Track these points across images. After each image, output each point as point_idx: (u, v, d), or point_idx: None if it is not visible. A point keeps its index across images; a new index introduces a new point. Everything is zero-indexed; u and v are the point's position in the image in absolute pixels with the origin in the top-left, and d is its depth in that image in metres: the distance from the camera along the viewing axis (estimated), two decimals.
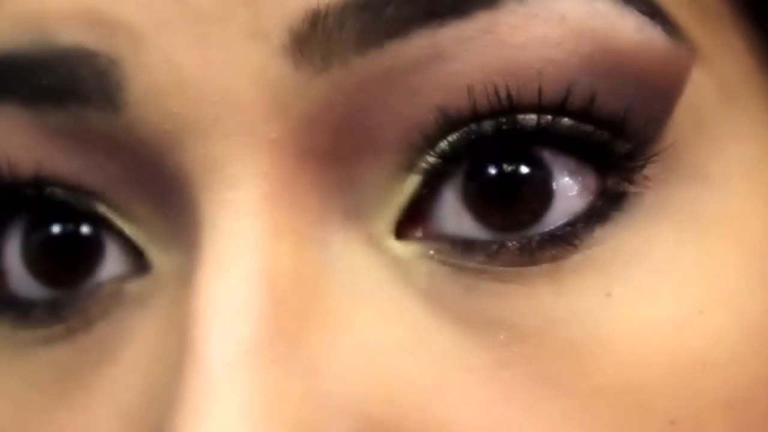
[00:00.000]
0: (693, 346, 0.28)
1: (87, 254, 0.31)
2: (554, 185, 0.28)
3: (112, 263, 0.30)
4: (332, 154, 0.28)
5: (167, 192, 0.29)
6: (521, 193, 0.28)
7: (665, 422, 0.27)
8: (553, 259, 0.28)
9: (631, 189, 0.28)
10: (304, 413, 0.27)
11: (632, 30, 0.28)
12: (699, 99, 0.29)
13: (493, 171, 0.28)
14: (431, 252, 0.28)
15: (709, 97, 0.29)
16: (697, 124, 0.29)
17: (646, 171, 0.28)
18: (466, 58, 0.27)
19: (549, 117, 0.28)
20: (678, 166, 0.29)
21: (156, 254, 0.30)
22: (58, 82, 0.29)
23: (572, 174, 0.28)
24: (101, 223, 0.30)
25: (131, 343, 0.29)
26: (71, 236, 0.31)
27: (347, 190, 0.29)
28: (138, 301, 0.30)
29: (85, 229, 0.31)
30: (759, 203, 0.30)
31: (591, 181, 0.28)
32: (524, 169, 0.28)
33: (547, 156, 0.28)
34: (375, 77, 0.28)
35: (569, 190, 0.28)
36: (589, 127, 0.28)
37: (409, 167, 0.28)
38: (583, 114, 0.28)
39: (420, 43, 0.27)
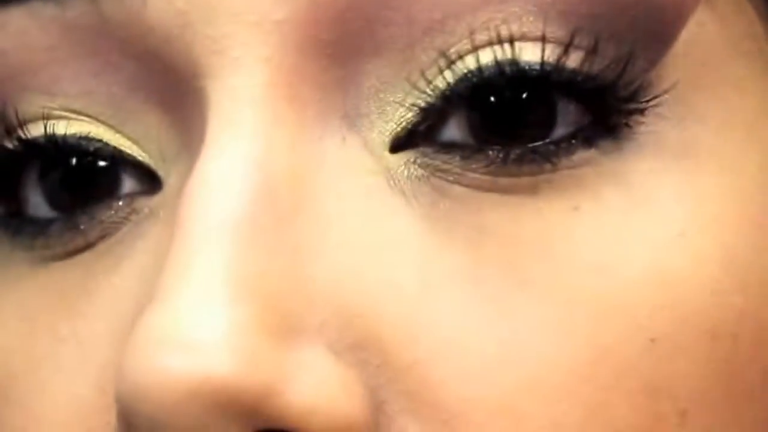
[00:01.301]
0: (673, 266, 0.28)
1: (104, 186, 0.31)
2: (558, 118, 0.29)
3: (128, 187, 0.31)
4: (335, 48, 0.28)
5: (177, 90, 0.29)
6: (519, 120, 0.29)
7: (645, 339, 0.27)
8: (530, 173, 0.28)
9: (623, 121, 0.29)
10: (283, 291, 0.27)
11: None
12: (702, 38, 0.29)
13: (490, 99, 0.29)
14: (417, 158, 0.29)
15: (713, 39, 0.30)
16: (699, 62, 0.29)
17: (642, 104, 0.29)
18: None
19: (552, 62, 0.28)
20: (676, 103, 0.29)
21: (166, 169, 0.30)
22: None
23: (569, 108, 0.29)
24: (116, 156, 0.31)
25: (134, 254, 0.30)
26: (88, 170, 0.31)
27: (347, 92, 0.29)
28: (150, 214, 0.30)
29: (101, 162, 0.31)
30: (754, 153, 0.30)
31: (587, 112, 0.29)
32: (523, 96, 0.29)
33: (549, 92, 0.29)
34: None
35: (567, 119, 0.29)
36: (595, 68, 0.28)
37: (412, 97, 0.29)
38: (588, 55, 0.28)
39: None
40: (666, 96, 0.29)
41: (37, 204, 0.32)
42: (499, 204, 0.28)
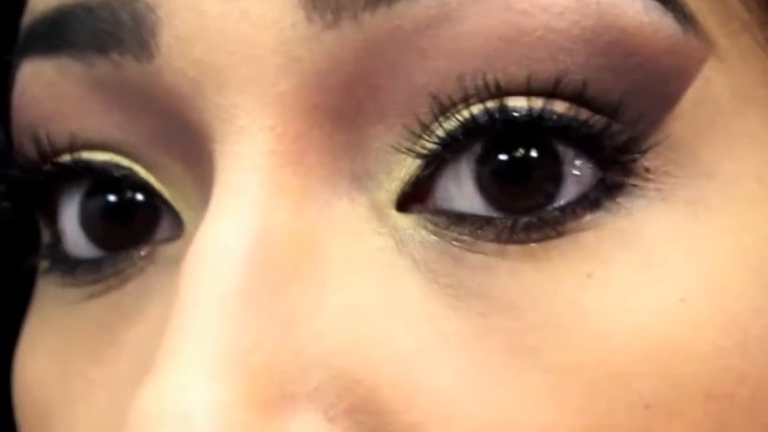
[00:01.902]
0: (672, 333, 0.28)
1: (142, 219, 0.32)
2: (563, 170, 0.29)
3: (165, 228, 0.32)
4: (340, 114, 0.29)
5: (194, 147, 0.30)
6: (528, 177, 0.29)
7: (639, 406, 0.27)
8: (538, 240, 0.28)
9: (630, 180, 0.28)
10: (276, 362, 0.27)
11: (639, 10, 0.28)
12: (711, 94, 0.29)
13: (498, 156, 0.29)
14: (428, 224, 0.29)
15: (723, 96, 0.29)
16: (707, 119, 0.29)
17: (647, 163, 0.28)
18: (471, 21, 0.28)
19: (540, 103, 0.28)
20: (682, 159, 0.29)
21: (188, 215, 0.31)
22: (102, 27, 0.30)
23: (574, 162, 0.28)
24: (150, 191, 0.32)
25: (158, 300, 0.31)
26: (128, 202, 0.32)
27: (354, 155, 0.29)
28: (170, 261, 0.31)
29: (140, 196, 0.32)
30: (764, 205, 0.29)
31: (591, 170, 0.28)
32: (531, 154, 0.29)
33: (550, 143, 0.28)
34: (384, 36, 0.28)
35: (575, 177, 0.28)
36: (583, 114, 0.28)
37: (412, 144, 0.29)
38: (577, 98, 0.28)
39: (428, 2, 0.28)
40: (668, 146, 0.28)
41: (77, 240, 0.33)
42: (508, 271, 0.28)
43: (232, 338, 0.27)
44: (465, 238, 0.28)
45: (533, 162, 0.29)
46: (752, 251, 0.29)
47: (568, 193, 0.28)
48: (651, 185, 0.28)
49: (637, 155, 0.28)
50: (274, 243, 0.28)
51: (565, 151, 0.28)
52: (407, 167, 0.29)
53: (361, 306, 0.28)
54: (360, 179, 0.29)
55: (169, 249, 0.31)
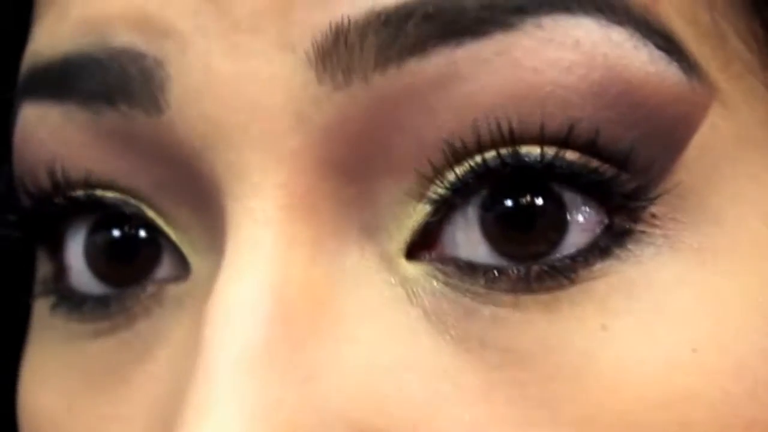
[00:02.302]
0: (684, 383, 0.28)
1: (145, 256, 0.32)
2: (568, 217, 0.29)
3: (166, 266, 0.32)
4: (350, 168, 0.29)
5: (202, 197, 0.30)
6: (533, 225, 0.29)
7: None
8: (550, 290, 0.29)
9: (638, 227, 0.29)
10: (299, 418, 0.28)
11: (645, 62, 0.28)
12: (715, 140, 0.29)
13: (503, 202, 0.29)
14: (437, 273, 0.29)
15: (727, 140, 0.29)
16: (713, 165, 0.29)
17: (654, 209, 0.29)
18: (481, 80, 0.28)
19: (552, 151, 0.28)
20: (689, 205, 0.29)
21: (195, 259, 0.31)
22: (111, 80, 0.30)
23: (580, 209, 0.29)
24: (155, 228, 0.32)
25: (167, 342, 0.31)
26: (132, 239, 0.33)
27: (364, 206, 0.30)
28: (177, 302, 0.32)
29: (143, 233, 0.32)
30: None
31: (598, 216, 0.29)
32: (536, 201, 0.29)
33: (556, 190, 0.29)
34: (394, 95, 0.28)
35: (580, 224, 0.29)
36: (594, 163, 0.28)
37: (423, 190, 0.29)
38: (588, 147, 0.28)
39: (438, 61, 0.28)
40: (675, 193, 0.29)
41: (81, 274, 0.33)
42: (521, 323, 0.29)
43: (256, 397, 0.28)
44: (477, 289, 0.29)
45: (538, 209, 0.29)
46: (759, 294, 0.29)
47: (573, 240, 0.29)
48: (658, 231, 0.29)
49: (645, 202, 0.29)
50: (292, 298, 0.29)
51: (573, 198, 0.29)
52: (416, 215, 0.29)
53: (375, 359, 0.29)
54: (369, 230, 0.30)
55: (175, 290, 0.32)
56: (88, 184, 0.32)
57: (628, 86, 0.28)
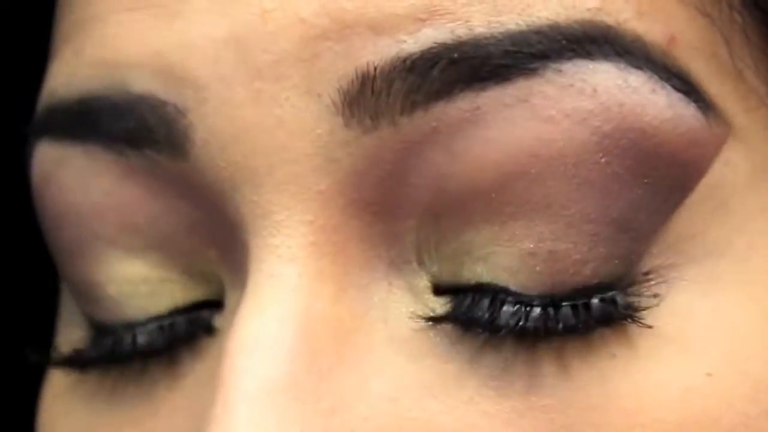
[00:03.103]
0: (702, 408, 0.29)
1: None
2: None
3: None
4: (377, 207, 0.30)
5: (228, 236, 0.31)
6: None
7: None
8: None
9: (632, 290, 0.29)
10: None
11: (662, 106, 0.29)
12: (727, 176, 0.30)
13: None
14: (462, 305, 0.30)
15: (739, 174, 0.30)
16: (723, 201, 0.30)
17: (646, 267, 0.29)
18: (501, 127, 0.29)
19: None
20: (699, 238, 0.30)
21: (227, 295, 0.32)
22: (132, 126, 0.31)
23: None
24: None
25: (196, 372, 0.32)
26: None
27: (392, 243, 0.30)
28: (206, 334, 0.32)
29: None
30: None
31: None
32: None
33: None
34: (420, 137, 0.29)
35: None
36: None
37: (446, 233, 0.30)
38: None
39: (462, 105, 0.29)
40: (679, 242, 0.30)
41: None
42: (541, 351, 0.29)
43: (277, 430, 0.28)
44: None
45: None
46: None
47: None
48: (653, 282, 0.29)
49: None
50: (317, 330, 0.29)
51: None
52: (440, 254, 0.30)
53: (402, 389, 0.29)
54: (397, 265, 0.30)
55: (208, 320, 0.32)
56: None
57: (639, 136, 0.29)
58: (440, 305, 0.30)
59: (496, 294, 0.29)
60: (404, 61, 0.29)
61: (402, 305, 0.30)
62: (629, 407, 0.29)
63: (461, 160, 0.29)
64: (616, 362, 0.29)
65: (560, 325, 0.29)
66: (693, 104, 0.29)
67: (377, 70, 0.29)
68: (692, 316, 0.30)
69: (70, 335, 0.34)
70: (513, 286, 0.29)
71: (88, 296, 0.33)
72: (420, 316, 0.30)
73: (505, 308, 0.29)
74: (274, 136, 0.29)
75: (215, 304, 0.32)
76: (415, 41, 0.29)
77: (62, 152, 0.32)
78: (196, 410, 0.30)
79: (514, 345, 0.29)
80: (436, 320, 0.30)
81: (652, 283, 0.29)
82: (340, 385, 0.29)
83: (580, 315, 0.29)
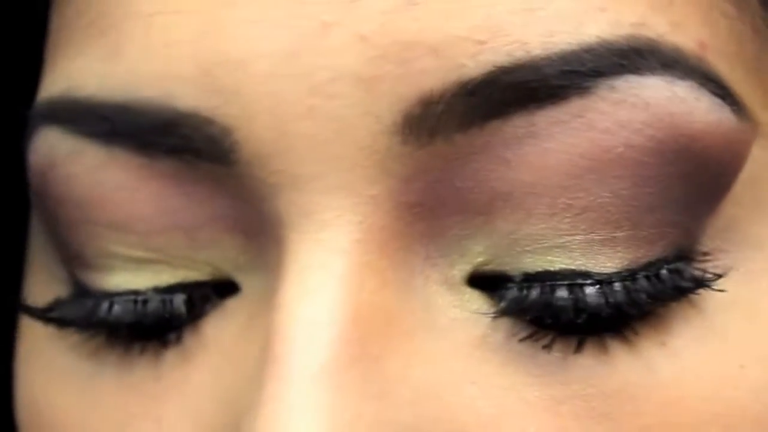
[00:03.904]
0: (734, 398, 0.31)
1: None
2: None
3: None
4: (422, 208, 0.31)
5: (259, 229, 0.31)
6: None
7: None
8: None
9: (692, 265, 0.31)
10: None
11: (705, 112, 0.30)
12: (757, 172, 0.32)
13: None
14: (496, 297, 0.31)
15: (765, 169, 0.32)
16: (755, 196, 0.32)
17: (705, 248, 0.31)
18: (556, 139, 0.30)
19: None
20: (735, 236, 0.31)
21: (243, 280, 0.32)
22: (172, 141, 0.30)
23: None
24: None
25: (207, 349, 0.32)
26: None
27: (431, 239, 0.31)
28: (220, 313, 0.33)
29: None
30: None
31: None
32: None
33: None
34: (474, 149, 0.30)
35: None
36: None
37: (489, 230, 0.31)
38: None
39: (518, 123, 0.30)
40: (726, 233, 0.31)
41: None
42: (586, 341, 0.31)
43: (336, 412, 0.29)
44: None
45: None
46: None
47: None
48: (710, 265, 0.31)
49: (697, 245, 0.31)
50: (364, 318, 0.30)
51: None
52: (480, 246, 0.31)
53: (443, 375, 0.31)
54: (433, 259, 0.31)
55: (222, 304, 0.33)
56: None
57: (689, 141, 0.30)
58: (476, 297, 0.31)
59: (572, 278, 0.31)
60: (465, 85, 0.29)
61: (439, 297, 0.31)
62: (668, 397, 0.31)
63: (516, 166, 0.30)
64: (658, 353, 0.31)
65: (643, 295, 0.30)
66: (728, 107, 0.31)
67: (440, 95, 0.29)
68: (731, 308, 0.31)
69: (49, 293, 0.35)
70: (592, 269, 0.31)
71: (88, 266, 0.33)
72: (455, 306, 0.31)
73: (588, 289, 0.30)
74: (328, 147, 0.30)
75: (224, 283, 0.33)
76: (476, 65, 0.29)
77: (77, 145, 0.32)
78: (226, 377, 0.31)
79: (555, 334, 0.31)
80: (472, 311, 0.31)
81: (709, 263, 0.31)
82: (386, 372, 0.30)
83: (654, 284, 0.30)
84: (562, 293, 0.30)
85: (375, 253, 0.30)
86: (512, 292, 0.31)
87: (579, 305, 0.30)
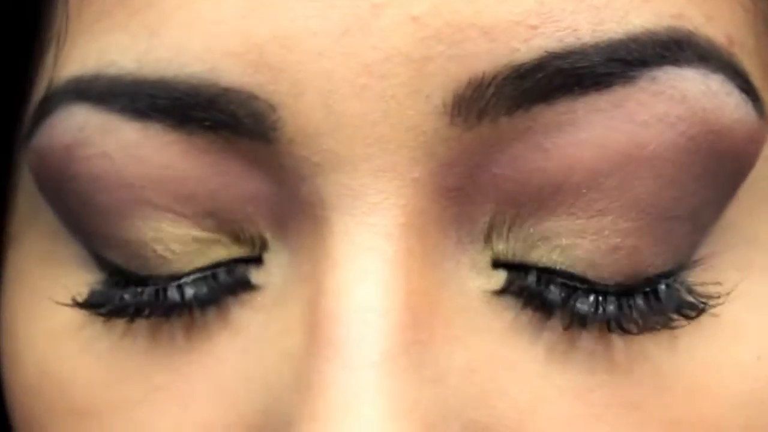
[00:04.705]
0: (750, 388, 0.32)
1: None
2: None
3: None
4: (458, 193, 0.31)
5: (294, 210, 0.31)
6: None
7: None
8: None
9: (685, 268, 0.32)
10: (430, 417, 0.30)
11: (733, 108, 0.31)
12: (764, 170, 0.33)
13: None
14: (525, 283, 0.31)
15: None
16: (755, 194, 0.33)
17: (702, 253, 0.32)
18: (594, 129, 0.30)
19: None
20: (731, 235, 0.32)
21: (268, 257, 0.32)
22: (215, 115, 0.30)
23: None
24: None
25: (234, 327, 0.32)
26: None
27: (462, 223, 0.31)
28: (248, 291, 0.32)
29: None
30: None
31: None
32: None
33: None
34: (515, 135, 0.30)
35: None
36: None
37: (522, 218, 0.31)
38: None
39: (560, 109, 0.30)
40: (722, 232, 0.32)
41: None
42: (614, 334, 0.31)
43: (397, 397, 0.30)
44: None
45: None
46: None
47: None
48: (718, 260, 0.32)
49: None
50: (414, 303, 0.30)
51: None
52: (511, 234, 0.31)
53: (481, 361, 0.31)
54: (464, 244, 0.32)
55: (248, 277, 0.32)
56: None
57: (716, 138, 0.31)
58: (504, 281, 0.31)
59: (572, 280, 0.31)
60: (516, 69, 0.29)
61: (469, 280, 0.31)
62: (692, 387, 0.32)
63: (552, 156, 0.30)
64: (683, 344, 0.32)
65: (634, 314, 0.31)
66: (751, 103, 0.31)
67: (491, 77, 0.29)
68: (742, 303, 0.32)
69: (78, 284, 0.34)
70: (591, 276, 0.31)
71: (122, 250, 0.33)
72: (486, 290, 0.31)
73: (582, 298, 0.31)
74: (376, 128, 0.30)
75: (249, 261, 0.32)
76: (527, 49, 0.29)
77: (111, 122, 0.31)
78: (255, 357, 0.31)
79: (586, 326, 0.31)
80: (500, 295, 0.31)
81: (705, 268, 0.32)
82: (435, 356, 0.30)
83: (651, 303, 0.31)
84: (555, 293, 0.31)
85: (415, 237, 0.31)
86: (531, 278, 0.31)
87: (574, 311, 0.31)
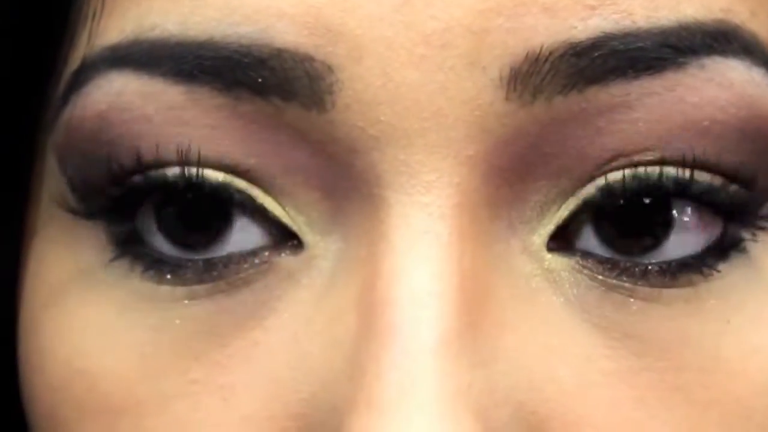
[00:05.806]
0: None
1: (216, 226, 0.32)
2: (675, 218, 0.32)
3: (250, 235, 0.32)
4: (511, 173, 0.31)
5: (342, 186, 0.31)
6: (646, 222, 0.32)
7: None
8: (689, 284, 0.32)
9: (748, 235, 0.33)
10: (482, 402, 0.30)
11: None
12: None
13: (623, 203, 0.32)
14: (579, 266, 0.32)
15: None
16: None
17: (762, 212, 0.33)
18: (648, 110, 0.31)
19: (688, 174, 0.32)
20: None
21: (311, 236, 0.32)
22: (266, 76, 0.30)
23: (694, 213, 0.32)
24: (251, 208, 0.32)
25: (279, 313, 0.32)
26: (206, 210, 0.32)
27: (513, 204, 0.31)
28: (288, 275, 0.32)
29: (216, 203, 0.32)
30: None
31: (712, 222, 0.32)
32: (649, 203, 0.32)
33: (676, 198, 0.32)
34: (569, 115, 0.30)
35: (688, 225, 0.32)
36: (723, 183, 0.32)
37: (571, 194, 0.32)
38: (727, 174, 0.32)
39: (614, 91, 0.30)
40: None
41: (153, 238, 0.33)
42: (662, 317, 0.32)
43: (452, 380, 0.29)
44: (611, 280, 0.32)
45: (648, 211, 0.32)
46: None
47: (683, 240, 0.32)
48: (765, 238, 0.33)
49: (756, 209, 0.33)
50: (468, 286, 0.30)
51: (683, 205, 0.32)
52: (560, 213, 0.32)
53: (529, 345, 0.31)
54: (514, 225, 0.32)
55: (285, 262, 0.32)
56: (187, 161, 0.31)
57: (762, 122, 0.32)
58: (555, 264, 0.32)
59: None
60: (574, 46, 0.30)
61: (520, 264, 0.32)
62: (734, 370, 0.32)
63: (605, 133, 0.31)
64: (728, 328, 0.32)
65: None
66: None
67: (546, 51, 0.30)
68: None
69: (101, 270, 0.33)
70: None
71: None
72: (536, 274, 0.32)
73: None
74: (433, 100, 0.30)
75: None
76: (585, 28, 0.30)
77: (155, 86, 0.31)
78: (300, 344, 0.31)
79: (638, 309, 0.32)
80: (551, 279, 0.32)
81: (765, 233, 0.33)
82: (485, 339, 0.30)
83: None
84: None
85: (468, 218, 0.31)
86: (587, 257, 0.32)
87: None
